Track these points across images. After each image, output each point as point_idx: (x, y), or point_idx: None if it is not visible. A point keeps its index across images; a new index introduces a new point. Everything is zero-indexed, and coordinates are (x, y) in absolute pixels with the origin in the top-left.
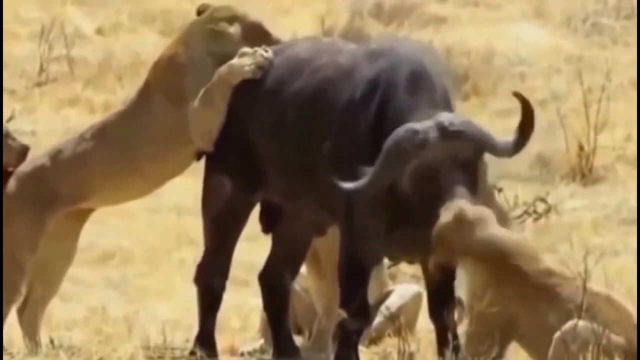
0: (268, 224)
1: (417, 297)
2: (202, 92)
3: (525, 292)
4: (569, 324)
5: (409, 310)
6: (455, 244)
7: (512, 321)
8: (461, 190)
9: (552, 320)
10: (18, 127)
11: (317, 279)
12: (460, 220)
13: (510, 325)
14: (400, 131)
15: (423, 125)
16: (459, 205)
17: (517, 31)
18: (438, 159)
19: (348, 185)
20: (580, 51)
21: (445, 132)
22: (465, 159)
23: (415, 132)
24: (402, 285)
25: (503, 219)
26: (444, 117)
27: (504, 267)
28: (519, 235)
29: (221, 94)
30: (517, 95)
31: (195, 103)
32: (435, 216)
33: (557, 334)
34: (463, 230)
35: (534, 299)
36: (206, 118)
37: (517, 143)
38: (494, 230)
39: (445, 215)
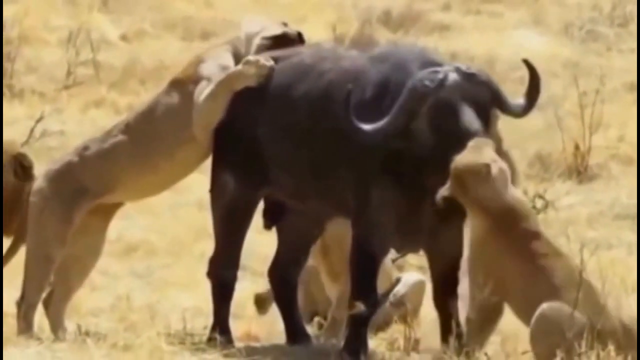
0: (271, 219)
1: (420, 285)
2: (206, 91)
3: (516, 251)
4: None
5: (413, 297)
6: (469, 187)
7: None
8: (479, 128)
9: (535, 288)
10: (47, 128)
11: (326, 273)
12: (483, 169)
13: (501, 307)
14: (421, 73)
15: (442, 67)
16: (488, 152)
17: (517, 38)
18: (455, 97)
19: (368, 126)
20: (577, 57)
21: (463, 73)
22: (480, 102)
23: (435, 72)
24: (407, 274)
25: (514, 175)
26: (462, 64)
27: (503, 222)
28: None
29: (223, 96)
30: (526, 62)
31: (199, 100)
32: (450, 155)
33: (539, 312)
34: (482, 179)
35: (522, 261)
36: (207, 115)
37: (527, 105)
38: (508, 189)
39: (473, 149)
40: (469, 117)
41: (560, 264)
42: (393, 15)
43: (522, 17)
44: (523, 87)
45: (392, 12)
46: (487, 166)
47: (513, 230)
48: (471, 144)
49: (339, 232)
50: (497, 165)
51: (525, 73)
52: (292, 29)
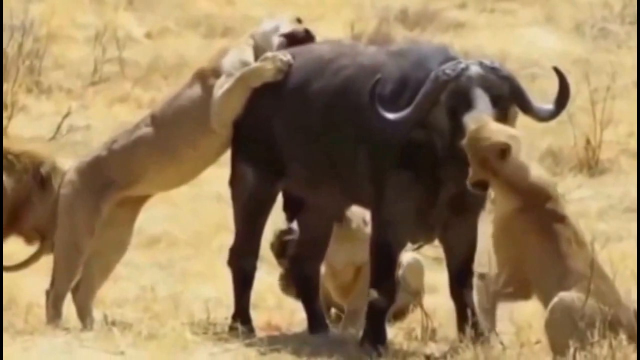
0: (292, 213)
1: (416, 264)
2: (223, 87)
3: (540, 230)
4: (569, 298)
5: (411, 277)
6: (496, 168)
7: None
8: (487, 106)
9: (555, 272)
10: (73, 123)
11: (335, 291)
12: (503, 147)
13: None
14: (445, 65)
15: (466, 60)
16: (496, 127)
17: (529, 36)
18: (473, 86)
19: (392, 115)
20: (588, 54)
21: (485, 66)
22: (498, 93)
23: (458, 62)
24: (405, 256)
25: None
26: (486, 59)
27: (531, 199)
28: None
29: (240, 93)
30: (556, 70)
31: (217, 96)
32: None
33: (555, 301)
34: (505, 156)
35: (545, 241)
36: (224, 111)
37: (554, 111)
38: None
39: (472, 123)
40: (484, 104)
41: (581, 251)
42: (410, 13)
43: (534, 15)
44: (534, 85)
45: (409, 10)
46: (506, 144)
47: (539, 208)
48: (472, 124)
49: (346, 259)
50: (508, 135)
51: (536, 70)
52: (302, 26)
